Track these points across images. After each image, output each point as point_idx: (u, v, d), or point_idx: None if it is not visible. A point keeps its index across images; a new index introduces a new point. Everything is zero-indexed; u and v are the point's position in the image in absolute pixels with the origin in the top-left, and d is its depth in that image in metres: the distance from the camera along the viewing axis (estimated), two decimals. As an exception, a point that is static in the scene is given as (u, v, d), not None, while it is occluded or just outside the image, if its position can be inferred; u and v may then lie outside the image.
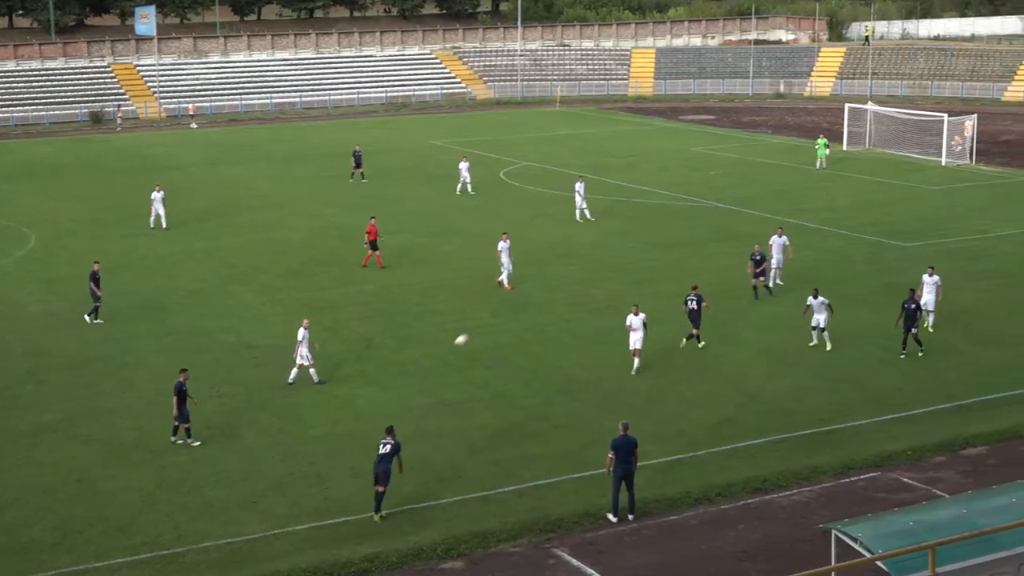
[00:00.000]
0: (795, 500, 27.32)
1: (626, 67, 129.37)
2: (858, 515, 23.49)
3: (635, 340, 35.87)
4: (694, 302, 38.08)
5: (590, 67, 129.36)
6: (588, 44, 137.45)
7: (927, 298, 39.63)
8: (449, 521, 26.32)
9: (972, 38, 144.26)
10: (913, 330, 37.14)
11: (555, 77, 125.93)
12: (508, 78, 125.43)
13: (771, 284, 44.79)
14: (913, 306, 37.20)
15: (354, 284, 46.88)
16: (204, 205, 64.37)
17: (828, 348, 37.76)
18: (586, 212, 58.31)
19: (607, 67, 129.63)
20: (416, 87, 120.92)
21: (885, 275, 47.34)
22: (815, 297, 38.18)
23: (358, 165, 71.71)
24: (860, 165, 75.76)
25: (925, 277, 40.27)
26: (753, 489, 27.77)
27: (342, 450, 30.15)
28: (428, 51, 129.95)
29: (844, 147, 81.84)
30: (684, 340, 38.33)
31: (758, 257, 43.57)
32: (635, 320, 35.94)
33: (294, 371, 35.15)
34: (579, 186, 58.74)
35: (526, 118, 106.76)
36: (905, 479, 28.23)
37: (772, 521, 26.33)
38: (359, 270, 49.12)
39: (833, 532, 21.33)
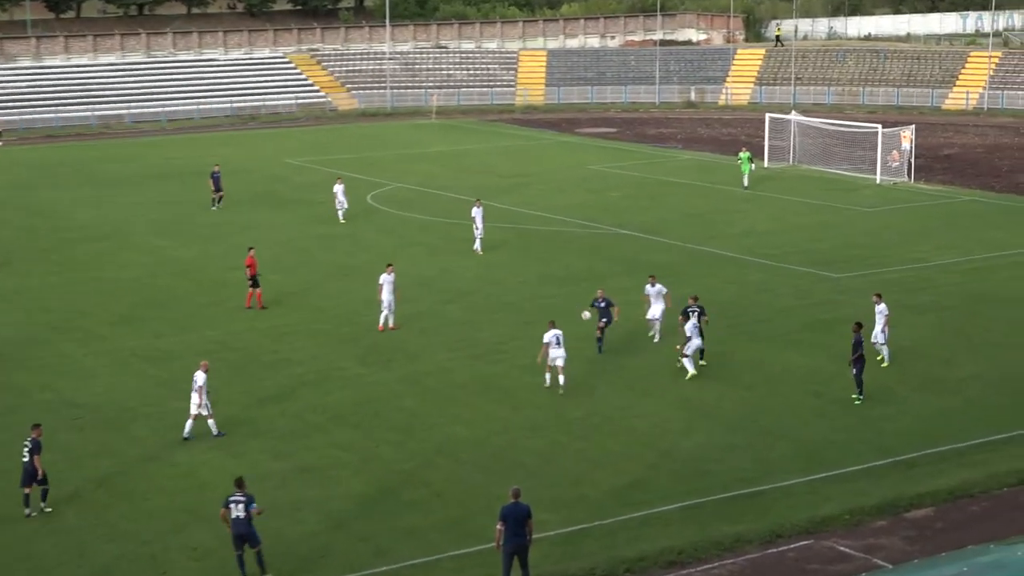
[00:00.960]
0: (716, 574, 27.49)
1: (513, 72, 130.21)
2: (788, 590, 23.67)
3: (555, 357, 38.40)
4: (696, 315, 40.63)
5: (471, 72, 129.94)
6: (468, 45, 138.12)
7: (874, 330, 40.85)
8: (311, 609, 26.04)
9: (907, 38, 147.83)
10: (854, 370, 37.84)
11: (430, 84, 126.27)
12: (375, 85, 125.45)
13: (656, 337, 44.47)
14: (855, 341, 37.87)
15: (195, 330, 46.35)
16: (12, 236, 63.27)
17: (689, 377, 39.63)
18: (476, 244, 58.34)
19: (491, 72, 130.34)
20: (267, 96, 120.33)
21: (814, 310, 48.07)
22: (687, 319, 40.34)
23: (217, 188, 71.04)
24: (784, 184, 77.01)
25: (875, 307, 41.53)
26: (668, 563, 27.88)
27: (182, 527, 29.70)
28: (280, 54, 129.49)
29: (766, 163, 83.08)
30: (687, 364, 40.39)
31: (602, 304, 43.30)
32: (552, 336, 38.17)
33: (189, 423, 35.26)
34: (476, 211, 58.80)
35: (397, 132, 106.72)
36: (842, 547, 28.54)
37: (690, 599, 26.45)
38: (199, 314, 48.58)
39: (760, 611, 21.46)
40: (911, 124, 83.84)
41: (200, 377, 35.30)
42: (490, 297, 50.57)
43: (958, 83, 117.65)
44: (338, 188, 66.84)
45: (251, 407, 37.87)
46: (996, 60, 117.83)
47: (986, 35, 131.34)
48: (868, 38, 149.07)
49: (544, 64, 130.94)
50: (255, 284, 49.13)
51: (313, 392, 39.21)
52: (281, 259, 57.44)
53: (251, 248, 50.54)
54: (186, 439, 35.12)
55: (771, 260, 56.43)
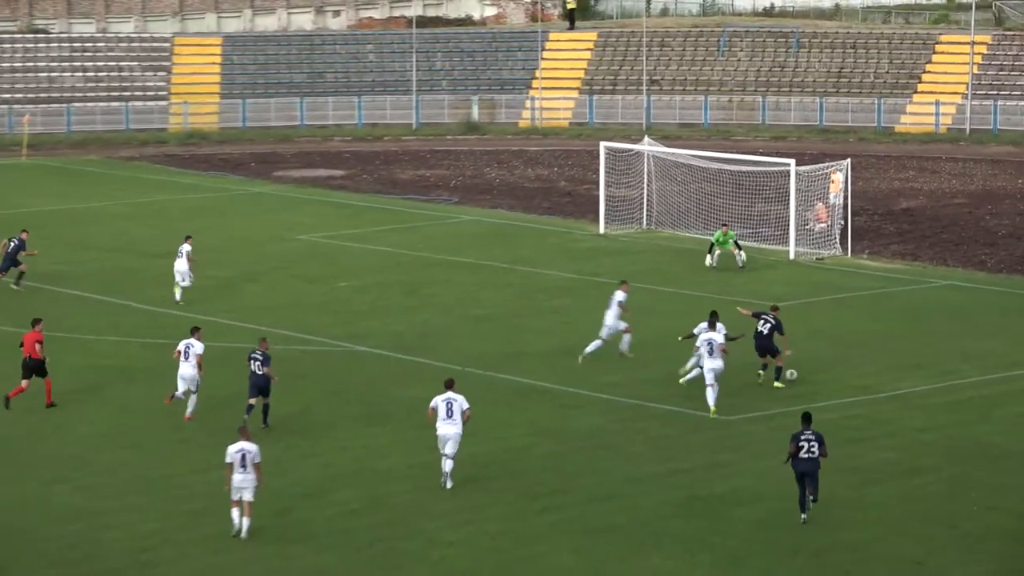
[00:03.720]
0: None
1: (165, 74, 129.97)
2: None
3: (240, 487, 43.14)
4: (767, 326, 56.80)
5: (91, 75, 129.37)
6: (86, 29, 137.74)
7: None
8: None
9: (836, 11, 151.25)
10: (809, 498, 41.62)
11: (19, 96, 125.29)
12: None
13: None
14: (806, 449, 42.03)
15: None
16: None
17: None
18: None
19: (126, 74, 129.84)
20: None
21: (687, 480, 48.03)
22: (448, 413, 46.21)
23: (14, 262, 72.29)
24: (633, 261, 77.59)
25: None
26: None
27: None
28: None
29: (601, 228, 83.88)
30: (760, 372, 56.76)
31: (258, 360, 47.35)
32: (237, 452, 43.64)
33: None
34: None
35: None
36: None
37: None
38: None
39: None
40: (844, 158, 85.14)
41: None
42: (127, 469, 49.76)
43: (921, 87, 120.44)
44: (185, 248, 69.93)
45: None
46: (984, 49, 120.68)
47: (966, 6, 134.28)
48: (770, 13, 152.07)
49: (218, 60, 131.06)
50: (37, 371, 53.94)
51: None
52: None
53: (38, 320, 55.06)
54: None
55: (609, 393, 56.70)
